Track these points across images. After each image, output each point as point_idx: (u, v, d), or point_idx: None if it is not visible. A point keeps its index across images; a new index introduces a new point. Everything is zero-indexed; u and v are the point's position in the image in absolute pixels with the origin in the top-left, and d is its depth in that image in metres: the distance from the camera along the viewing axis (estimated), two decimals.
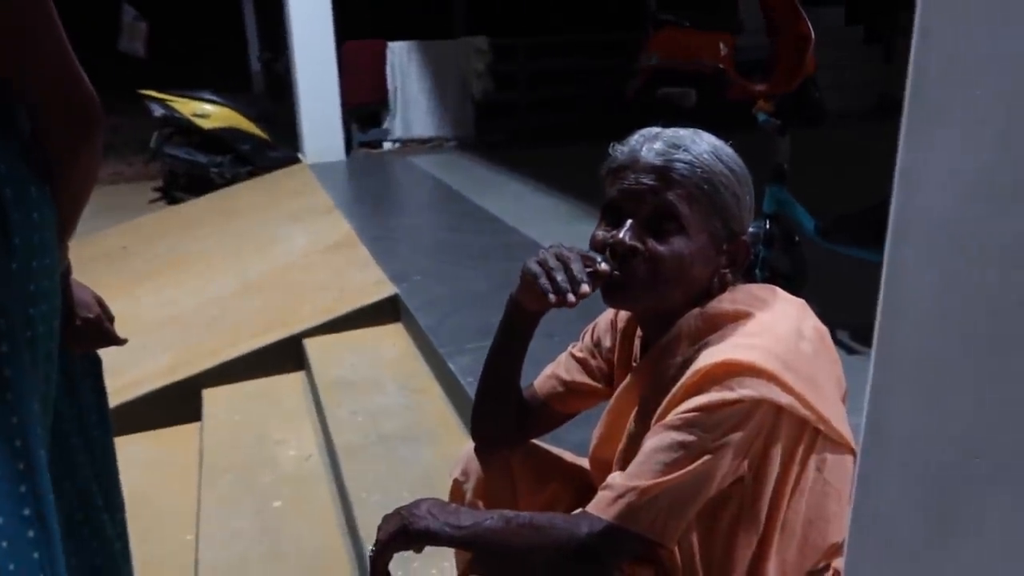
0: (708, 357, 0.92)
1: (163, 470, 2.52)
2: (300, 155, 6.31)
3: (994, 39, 0.50)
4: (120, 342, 1.24)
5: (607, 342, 1.18)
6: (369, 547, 1.73)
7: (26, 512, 0.92)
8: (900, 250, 0.60)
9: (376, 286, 3.13)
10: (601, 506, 0.93)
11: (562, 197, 4.56)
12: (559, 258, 0.97)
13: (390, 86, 6.64)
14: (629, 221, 0.97)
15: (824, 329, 1.00)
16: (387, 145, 6.78)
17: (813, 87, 5.36)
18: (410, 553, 1.07)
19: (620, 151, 1.00)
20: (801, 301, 1.02)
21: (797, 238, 2.53)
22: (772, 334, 0.93)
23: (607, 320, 1.19)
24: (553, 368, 1.23)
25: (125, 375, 2.79)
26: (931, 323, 0.58)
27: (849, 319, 2.23)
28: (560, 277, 0.95)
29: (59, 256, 1.03)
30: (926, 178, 0.57)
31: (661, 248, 0.95)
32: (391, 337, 2.92)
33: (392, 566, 1.06)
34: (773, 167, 2.48)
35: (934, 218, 0.57)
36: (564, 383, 1.20)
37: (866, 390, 0.65)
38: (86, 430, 1.20)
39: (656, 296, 0.98)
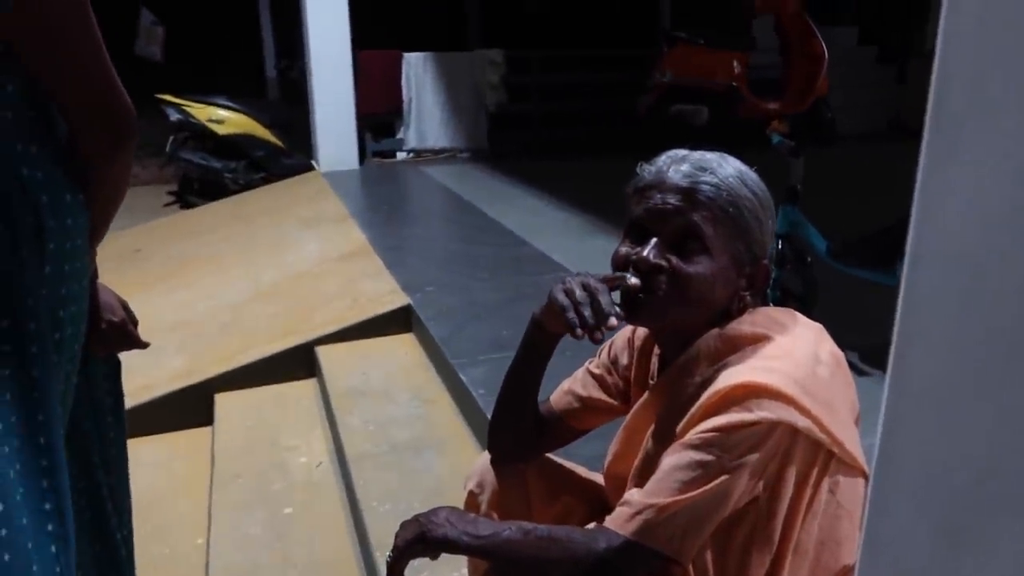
0: (728, 378, 0.93)
1: (175, 473, 2.54)
2: (314, 163, 6.36)
3: (1018, 74, 0.52)
4: (143, 345, 1.27)
5: (624, 359, 1.20)
6: (379, 555, 1.75)
7: (47, 507, 0.94)
8: (918, 277, 0.62)
9: (389, 296, 3.15)
10: (619, 522, 0.94)
11: (574, 211, 4.59)
12: (586, 288, 0.99)
13: (405, 96, 6.69)
14: (654, 239, 0.99)
15: (840, 354, 1.02)
16: (401, 155, 6.82)
17: (825, 107, 5.38)
18: (420, 562, 1.08)
19: (647, 170, 1.02)
20: (819, 326, 1.04)
21: (809, 259, 2.54)
22: (791, 358, 0.95)
23: (624, 338, 1.21)
24: (570, 384, 1.25)
25: (137, 378, 2.82)
26: (947, 350, 0.59)
27: (859, 340, 2.24)
28: (587, 312, 0.96)
29: (88, 260, 1.06)
30: (946, 208, 0.59)
31: (685, 267, 0.97)
32: (403, 347, 2.94)
33: (407, 573, 1.08)
34: (786, 188, 2.50)
35: (953, 247, 0.58)
36: (580, 399, 1.22)
37: (880, 413, 0.67)
38: (102, 431, 1.23)
39: (677, 315, 1.00)
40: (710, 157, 1.00)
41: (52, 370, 0.98)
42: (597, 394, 1.21)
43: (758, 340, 0.97)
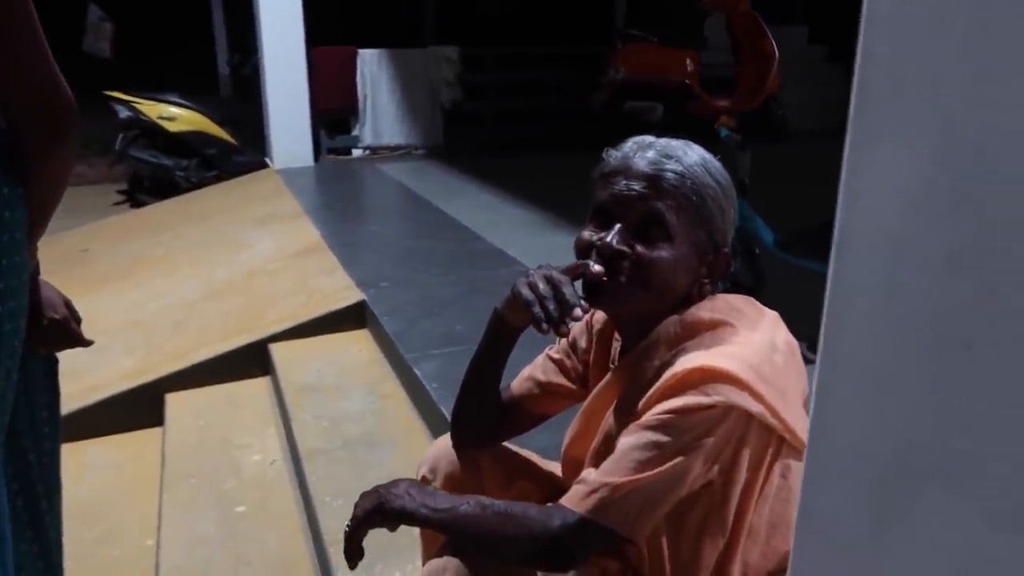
0: (686, 362, 0.94)
1: (125, 475, 2.49)
2: (268, 160, 6.27)
3: (932, 61, 0.54)
4: (86, 343, 1.24)
5: (582, 343, 1.21)
6: (333, 551, 1.74)
7: None
8: (844, 259, 0.64)
9: (343, 292, 3.13)
10: (575, 500, 0.95)
11: (529, 206, 4.60)
12: (550, 281, 1.00)
13: (359, 93, 6.64)
14: (617, 225, 0.99)
15: (794, 342, 1.04)
16: (356, 152, 6.76)
17: (776, 105, 5.47)
18: (373, 554, 1.08)
19: (613, 156, 1.03)
20: (775, 314, 1.06)
21: (757, 250, 2.59)
22: (748, 344, 0.97)
23: (583, 322, 1.22)
24: (530, 370, 1.26)
25: (86, 378, 2.75)
26: (872, 329, 0.61)
27: (805, 330, 2.29)
28: (552, 306, 0.97)
29: (28, 255, 1.03)
30: (868, 191, 0.61)
31: (648, 253, 0.98)
32: (358, 343, 2.92)
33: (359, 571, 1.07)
34: (735, 181, 2.54)
35: (876, 229, 0.60)
36: (540, 384, 1.23)
37: (812, 393, 0.69)
38: (37, 430, 1.20)
39: (639, 301, 1.00)
40: (675, 144, 1.01)
41: None
42: (557, 379, 1.22)
43: (716, 326, 0.99)
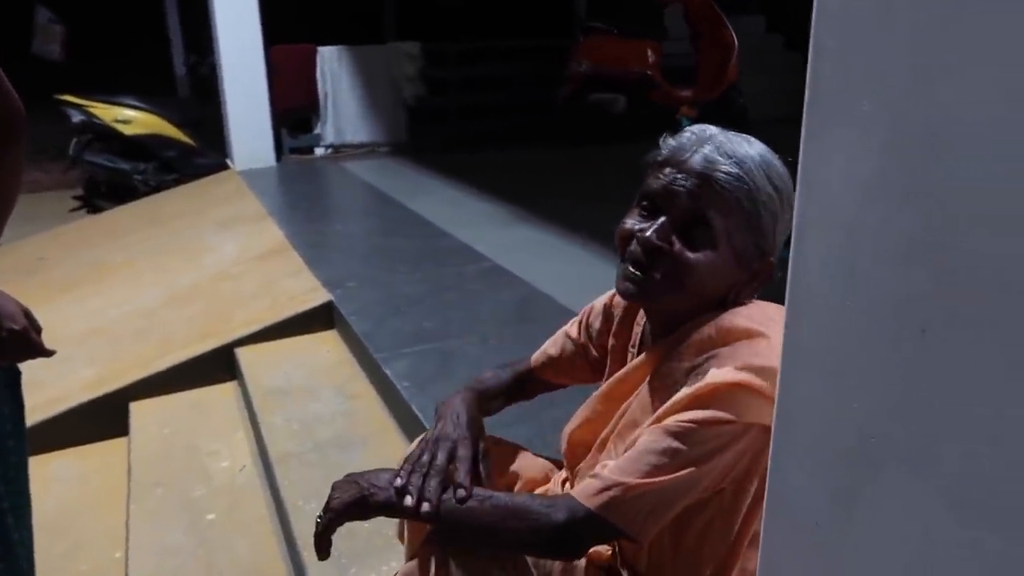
0: (717, 374, 0.91)
1: (90, 486, 2.45)
2: (229, 161, 6.18)
3: (880, 55, 0.55)
4: (47, 354, 1.21)
5: (597, 325, 1.20)
6: (306, 555, 1.72)
7: None
8: (802, 249, 0.65)
9: (310, 293, 3.10)
10: (586, 494, 0.94)
11: (494, 201, 4.60)
12: (430, 465, 1.02)
13: (320, 91, 6.56)
14: (662, 219, 0.95)
15: None
16: (319, 151, 6.69)
17: (736, 94, 5.54)
18: (348, 560, 1.07)
19: (669, 145, 0.98)
20: None
21: None
22: (776, 357, 0.96)
23: (602, 303, 1.21)
24: (547, 345, 1.29)
25: (48, 389, 2.69)
26: (831, 317, 0.62)
27: None
28: (415, 480, 1.00)
29: None
30: (824, 181, 0.62)
31: (687, 254, 0.94)
32: (326, 344, 2.90)
33: (330, 568, 1.06)
34: None
35: (832, 219, 0.61)
36: (552, 359, 1.27)
37: (777, 380, 0.70)
38: (2, 445, 1.17)
39: (671, 299, 0.98)
40: (736, 141, 0.96)
41: None
42: (570, 356, 1.25)
43: (751, 335, 0.95)
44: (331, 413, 2.41)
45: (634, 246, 0.97)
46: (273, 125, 6.09)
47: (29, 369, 1.25)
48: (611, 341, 1.17)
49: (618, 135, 5.58)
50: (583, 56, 6.14)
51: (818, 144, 0.62)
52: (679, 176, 0.94)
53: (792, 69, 8.00)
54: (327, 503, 1.03)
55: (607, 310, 1.19)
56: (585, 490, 0.94)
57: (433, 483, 0.99)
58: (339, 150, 6.71)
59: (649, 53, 5.98)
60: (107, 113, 6.12)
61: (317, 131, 6.70)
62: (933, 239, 0.52)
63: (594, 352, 1.21)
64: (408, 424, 2.17)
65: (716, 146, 0.94)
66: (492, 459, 1.19)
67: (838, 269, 0.62)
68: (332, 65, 6.56)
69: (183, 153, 6.33)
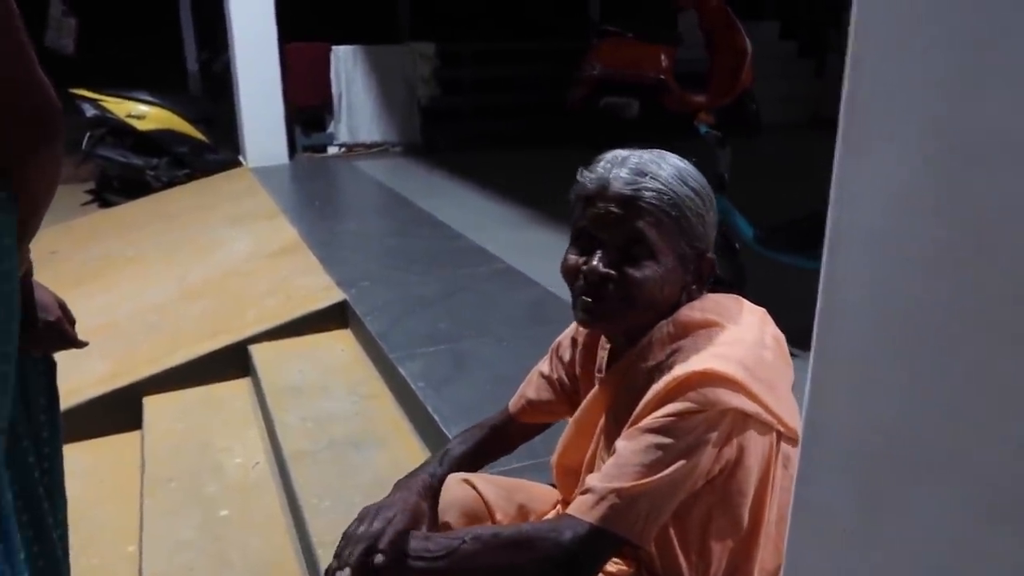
0: (683, 366, 0.96)
1: (103, 480, 2.46)
2: (241, 158, 6.20)
3: (918, 68, 0.56)
4: (80, 345, 1.25)
5: (567, 357, 1.24)
6: (320, 552, 1.73)
7: None
8: (836, 258, 0.65)
9: (323, 292, 3.11)
10: (583, 509, 0.96)
11: (508, 203, 4.61)
12: (355, 535, 1.06)
13: (334, 90, 6.59)
14: (600, 250, 1.01)
15: (781, 336, 1.06)
16: (332, 149, 6.72)
17: (750, 100, 5.53)
18: None
19: (588, 179, 1.03)
20: (762, 310, 1.08)
21: (737, 245, 2.62)
22: (739, 343, 0.99)
23: (568, 336, 1.26)
24: (524, 388, 1.31)
25: (61, 383, 2.71)
26: (863, 325, 0.63)
27: (784, 323, 2.32)
28: (345, 551, 1.04)
29: (19, 259, 1.03)
30: (859, 193, 0.62)
31: (633, 273, 1.00)
32: (339, 343, 2.91)
33: None
34: (714, 177, 2.57)
35: (866, 229, 0.62)
36: (532, 403, 1.29)
37: (806, 388, 0.70)
38: (36, 433, 1.19)
39: (630, 318, 1.03)
40: (648, 159, 1.02)
41: None
42: (547, 395, 1.27)
43: (708, 325, 1.01)
44: (345, 412, 2.42)
45: (581, 279, 1.03)
46: (287, 122, 6.11)
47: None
48: (579, 370, 1.22)
49: (630, 140, 5.59)
50: (597, 60, 6.15)
51: (854, 157, 0.63)
52: (607, 204, 1.00)
53: (803, 76, 7.99)
54: (342, 559, 1.06)
55: (573, 341, 1.24)
56: (582, 505, 0.96)
57: (356, 549, 1.03)
58: (352, 149, 6.74)
59: (663, 58, 5.98)
60: (120, 108, 6.15)
61: (330, 129, 6.73)
62: (966, 251, 0.53)
63: (568, 383, 1.25)
64: (423, 425, 2.18)
65: (631, 168, 1.01)
66: (498, 495, 1.22)
67: (870, 279, 0.62)
68: (346, 64, 6.59)
69: (195, 149, 6.36)
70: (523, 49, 7.62)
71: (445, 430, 1.98)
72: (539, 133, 6.65)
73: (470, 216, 4.25)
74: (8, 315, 0.99)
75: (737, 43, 5.05)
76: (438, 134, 6.82)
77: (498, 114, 7.14)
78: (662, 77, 5.93)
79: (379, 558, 1.01)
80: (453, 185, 5.30)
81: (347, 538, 1.06)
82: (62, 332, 1.19)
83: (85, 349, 1.27)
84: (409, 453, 2.13)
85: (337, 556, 1.05)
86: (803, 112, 7.66)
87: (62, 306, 1.21)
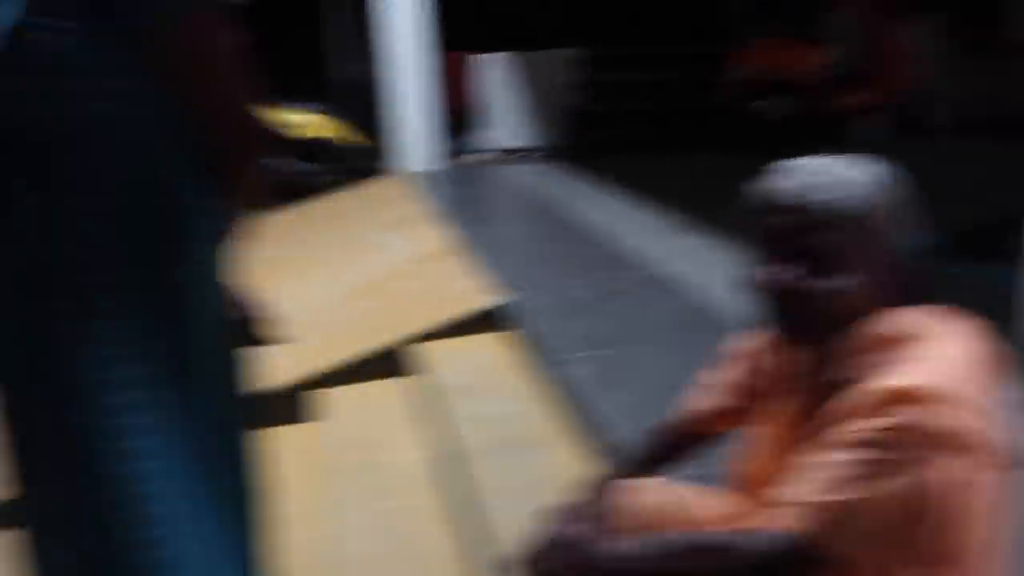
0: (879, 381, 0.93)
1: (279, 469, 2.62)
2: (396, 164, 6.48)
3: None
4: (283, 340, 1.35)
5: (749, 365, 1.23)
6: (495, 551, 1.78)
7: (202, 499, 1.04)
8: None
9: (480, 294, 3.20)
10: (785, 521, 0.95)
11: (659, 208, 4.56)
12: (544, 537, 1.11)
13: (482, 97, 6.78)
14: (791, 261, 0.99)
15: (987, 349, 1.00)
16: (480, 155, 6.90)
17: (911, 100, 5.21)
18: None
19: (758, 190, 1.02)
20: (966, 323, 1.03)
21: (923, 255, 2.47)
22: (941, 359, 0.94)
23: (752, 344, 1.23)
24: (698, 396, 1.31)
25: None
26: None
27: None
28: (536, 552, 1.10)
29: (225, 265, 1.16)
30: None
31: (827, 286, 0.97)
32: (498, 346, 2.98)
33: None
34: None
35: None
36: (710, 411, 1.29)
37: None
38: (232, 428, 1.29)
39: (822, 332, 1.01)
40: (819, 169, 0.98)
41: (202, 373, 1.09)
42: (727, 404, 1.26)
43: (908, 341, 0.96)
44: (505, 414, 2.47)
45: (775, 295, 1.00)
46: (440, 129, 6.32)
47: None
48: (765, 380, 1.18)
49: (782, 143, 5.40)
50: (746, 61, 6.00)
51: None
52: (792, 216, 0.97)
53: (969, 74, 7.43)
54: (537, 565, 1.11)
55: (759, 351, 1.21)
56: (782, 517, 0.95)
57: (549, 551, 1.08)
58: (500, 154, 6.89)
59: (816, 58, 5.75)
60: (285, 118, 6.56)
61: (478, 136, 6.92)
62: None
63: (752, 392, 1.22)
64: (586, 428, 2.20)
65: (803, 177, 0.97)
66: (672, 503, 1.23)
67: None
68: (494, 71, 6.76)
69: (351, 155, 6.71)
70: (670, 53, 7.53)
71: (610, 435, 1.99)
72: (688, 137, 6.55)
73: (618, 221, 4.25)
74: (214, 315, 1.13)
75: (897, 41, 4.78)
76: (583, 139, 6.86)
77: (644, 118, 7.09)
78: (816, 78, 5.70)
79: (567, 560, 1.03)
80: (601, 190, 5.30)
81: (535, 539, 1.09)
82: (266, 327, 1.31)
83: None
84: (575, 456, 2.15)
85: (527, 558, 1.08)
86: (971, 111, 7.14)
87: (265, 302, 1.34)
